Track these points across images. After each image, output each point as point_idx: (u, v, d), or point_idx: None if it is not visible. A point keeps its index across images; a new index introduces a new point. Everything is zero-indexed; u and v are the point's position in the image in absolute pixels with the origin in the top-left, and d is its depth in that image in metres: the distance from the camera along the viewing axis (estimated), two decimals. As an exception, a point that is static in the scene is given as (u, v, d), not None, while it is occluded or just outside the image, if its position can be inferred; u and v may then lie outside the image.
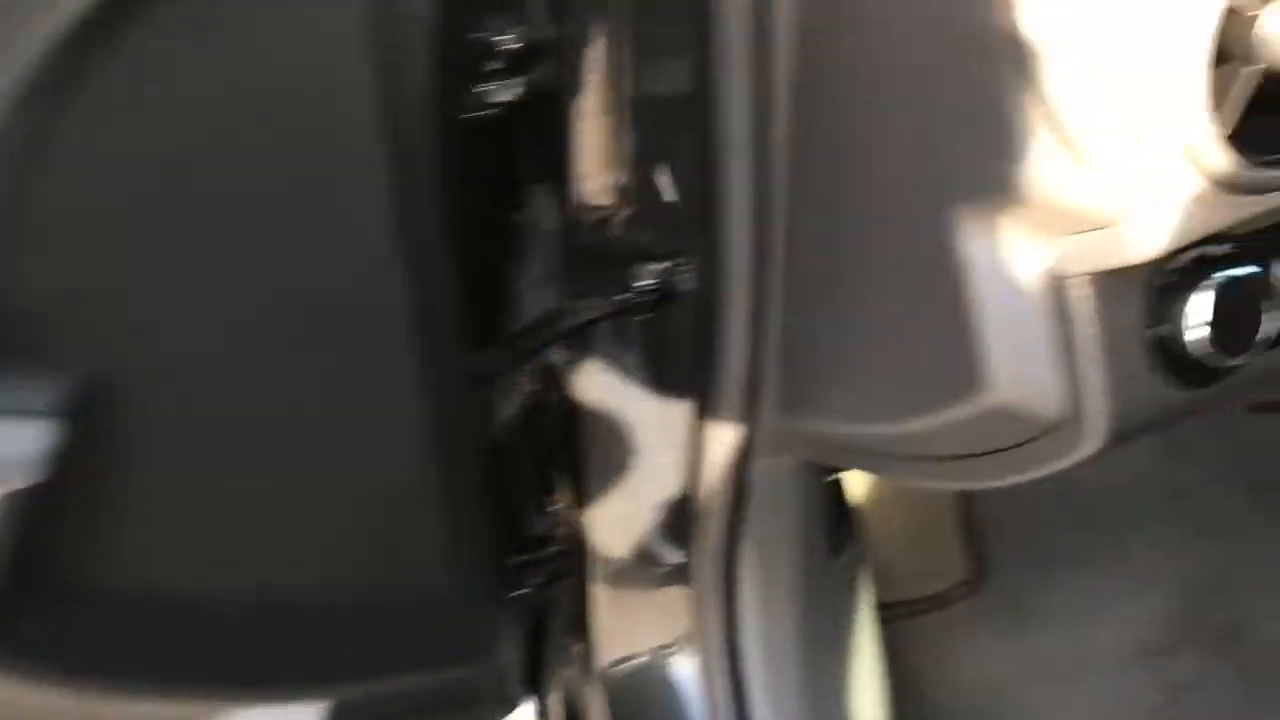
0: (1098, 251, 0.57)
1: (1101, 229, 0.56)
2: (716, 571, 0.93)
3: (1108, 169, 0.54)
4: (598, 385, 0.95)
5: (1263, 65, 0.51)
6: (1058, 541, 1.38)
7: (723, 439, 0.83)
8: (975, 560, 1.36)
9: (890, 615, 1.33)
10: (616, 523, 1.01)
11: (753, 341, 0.78)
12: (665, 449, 0.91)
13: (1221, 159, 0.51)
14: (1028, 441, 0.66)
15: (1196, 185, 0.52)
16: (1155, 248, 0.54)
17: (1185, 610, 1.34)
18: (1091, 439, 0.62)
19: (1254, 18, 0.50)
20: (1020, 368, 0.62)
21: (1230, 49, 0.52)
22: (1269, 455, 1.43)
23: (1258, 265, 0.62)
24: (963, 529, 1.37)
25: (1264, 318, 0.61)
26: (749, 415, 0.81)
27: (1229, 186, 0.52)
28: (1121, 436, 0.62)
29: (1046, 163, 0.55)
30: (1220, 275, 0.60)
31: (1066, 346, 0.60)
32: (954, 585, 1.34)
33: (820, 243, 0.73)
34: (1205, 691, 1.30)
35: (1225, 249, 0.61)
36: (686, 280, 0.84)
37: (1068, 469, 0.65)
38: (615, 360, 0.94)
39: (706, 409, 0.82)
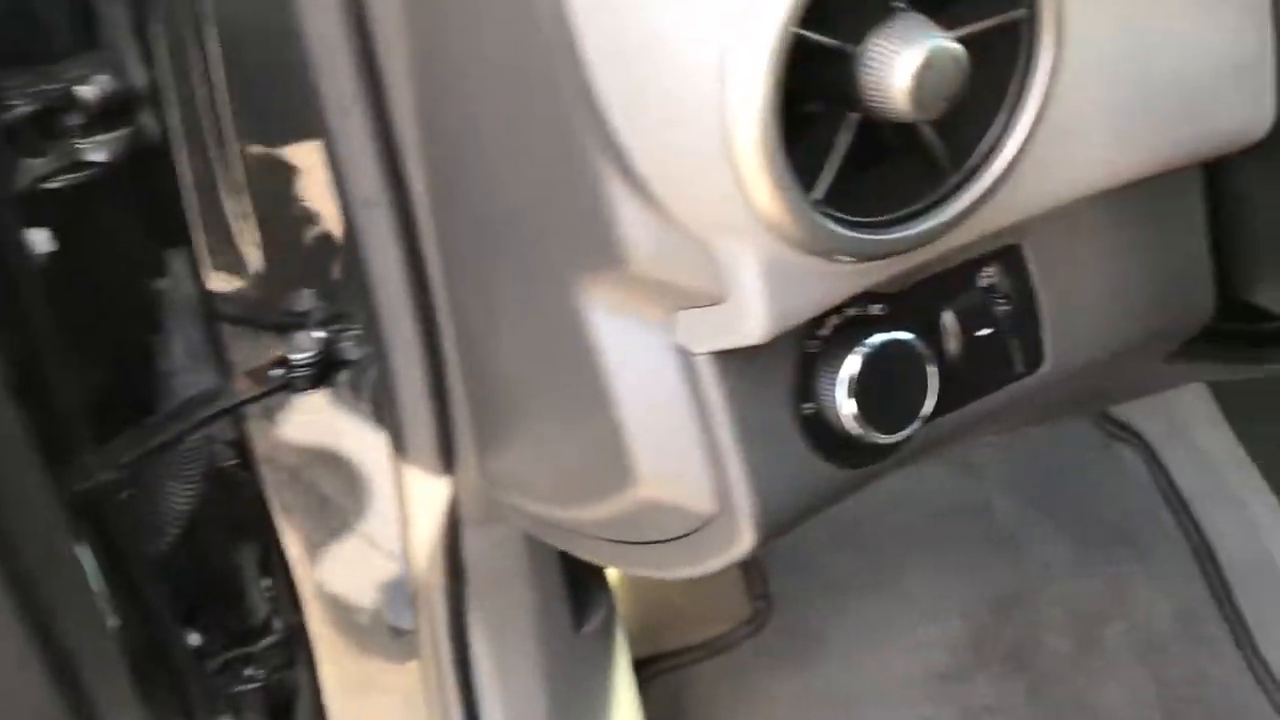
0: (713, 329, 0.48)
1: (715, 304, 0.48)
2: (449, 654, 0.84)
3: (704, 238, 0.46)
4: (302, 449, 0.86)
5: (859, 113, 0.43)
6: (844, 568, 1.32)
7: (428, 508, 0.75)
8: (759, 596, 1.29)
9: (671, 664, 1.26)
10: (341, 596, 0.93)
11: (434, 411, 0.70)
12: (384, 513, 0.84)
13: (812, 226, 0.42)
14: (692, 533, 0.58)
15: (793, 256, 0.44)
16: (763, 328, 0.46)
17: (977, 631, 1.30)
18: (746, 534, 0.53)
19: (853, 56, 0.43)
20: (663, 458, 0.54)
21: (830, 93, 0.44)
22: (1054, 466, 1.40)
23: (919, 325, 0.54)
24: (743, 564, 1.30)
25: (930, 383, 0.54)
26: (450, 484, 0.73)
27: (832, 254, 0.44)
28: (780, 528, 0.54)
29: (641, 231, 0.47)
30: (870, 342, 0.52)
31: (705, 433, 0.52)
32: (737, 625, 1.27)
33: (479, 311, 0.64)
34: (1000, 714, 1.26)
35: (880, 309, 0.53)
36: (351, 348, 0.75)
37: (738, 560, 0.58)
38: (320, 422, 0.85)
39: (405, 478, 0.74)
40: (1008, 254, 0.56)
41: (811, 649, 1.28)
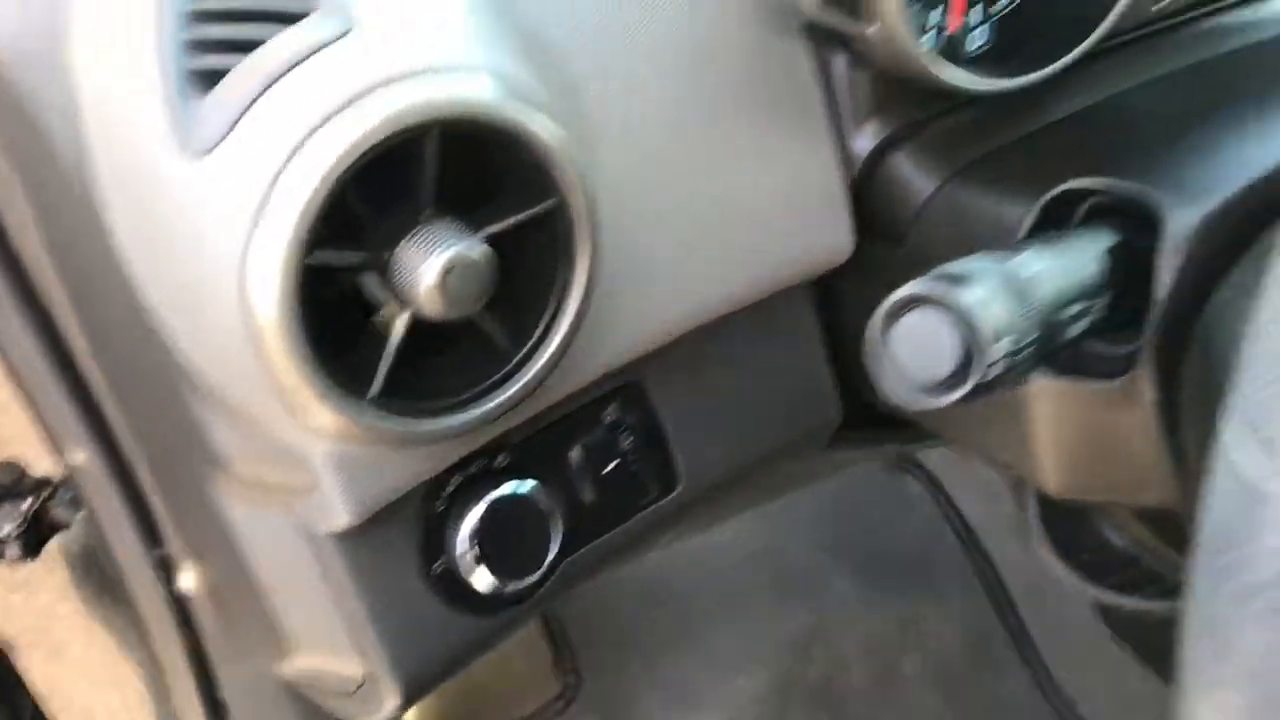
0: (316, 516, 0.50)
1: (303, 494, 0.50)
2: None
3: (281, 441, 0.48)
4: (40, 611, 0.86)
5: (408, 312, 0.45)
6: (651, 628, 1.35)
7: (174, 656, 0.75)
8: (567, 670, 1.31)
9: (483, 750, 1.26)
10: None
11: (158, 580, 0.70)
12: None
13: (368, 425, 0.45)
14: (357, 690, 0.59)
15: (365, 448, 0.46)
16: (347, 517, 0.48)
17: (781, 675, 1.33)
18: (390, 696, 0.55)
19: (387, 264, 0.45)
20: (310, 629, 0.56)
21: (374, 296, 0.46)
22: (843, 502, 1.44)
23: (545, 469, 0.57)
24: (549, 639, 1.32)
25: (554, 526, 0.56)
26: (183, 631, 0.74)
27: (401, 444, 0.47)
28: (429, 683, 0.56)
29: (228, 437, 0.49)
30: (489, 497, 0.54)
31: (340, 605, 0.54)
32: (547, 702, 1.28)
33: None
34: (811, 756, 1.30)
35: (504, 460, 0.56)
36: (63, 512, 0.75)
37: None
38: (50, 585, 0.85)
39: (144, 627, 0.74)
40: (628, 390, 0.59)
41: (623, 718, 1.30)
